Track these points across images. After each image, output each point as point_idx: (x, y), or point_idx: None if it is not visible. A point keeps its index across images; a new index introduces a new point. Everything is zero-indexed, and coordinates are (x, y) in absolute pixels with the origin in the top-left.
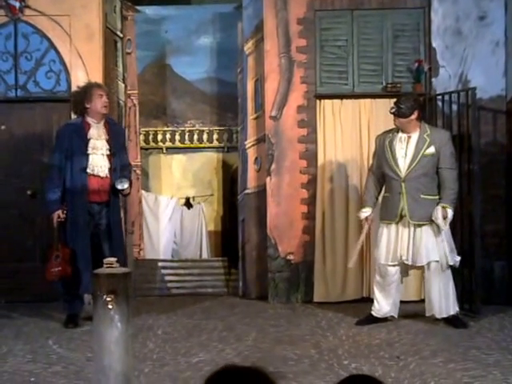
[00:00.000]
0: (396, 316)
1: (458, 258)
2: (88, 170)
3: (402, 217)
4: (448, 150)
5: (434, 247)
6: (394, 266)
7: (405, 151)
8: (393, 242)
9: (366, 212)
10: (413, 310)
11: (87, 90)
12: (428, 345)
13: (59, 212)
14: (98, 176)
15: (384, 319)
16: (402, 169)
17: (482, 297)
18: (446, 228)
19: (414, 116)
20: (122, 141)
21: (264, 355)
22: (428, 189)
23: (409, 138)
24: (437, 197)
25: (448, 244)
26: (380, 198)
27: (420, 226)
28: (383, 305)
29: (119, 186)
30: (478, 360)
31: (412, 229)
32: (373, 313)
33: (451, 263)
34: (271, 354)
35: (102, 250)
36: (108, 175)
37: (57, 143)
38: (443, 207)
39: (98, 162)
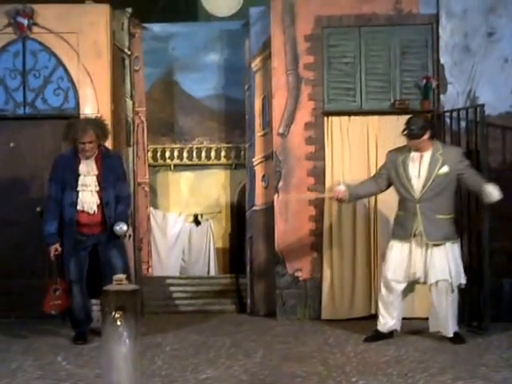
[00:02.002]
0: (399, 330)
1: (464, 281)
2: (78, 207)
3: (415, 235)
4: (463, 164)
5: (444, 266)
6: (402, 282)
7: (418, 171)
8: (406, 260)
9: (339, 186)
10: (421, 327)
11: (72, 130)
12: (436, 362)
13: (56, 246)
14: (87, 212)
15: (390, 334)
16: (417, 190)
17: (490, 314)
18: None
19: (426, 136)
20: (119, 172)
21: (272, 372)
22: (443, 208)
23: (421, 157)
24: (452, 215)
25: (455, 265)
26: (359, 191)
27: (433, 245)
28: (388, 319)
29: (118, 230)
30: (486, 377)
31: (425, 247)
32: (379, 328)
33: (456, 284)
34: (279, 370)
35: (105, 265)
36: (96, 211)
37: (52, 174)
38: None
39: (87, 198)
